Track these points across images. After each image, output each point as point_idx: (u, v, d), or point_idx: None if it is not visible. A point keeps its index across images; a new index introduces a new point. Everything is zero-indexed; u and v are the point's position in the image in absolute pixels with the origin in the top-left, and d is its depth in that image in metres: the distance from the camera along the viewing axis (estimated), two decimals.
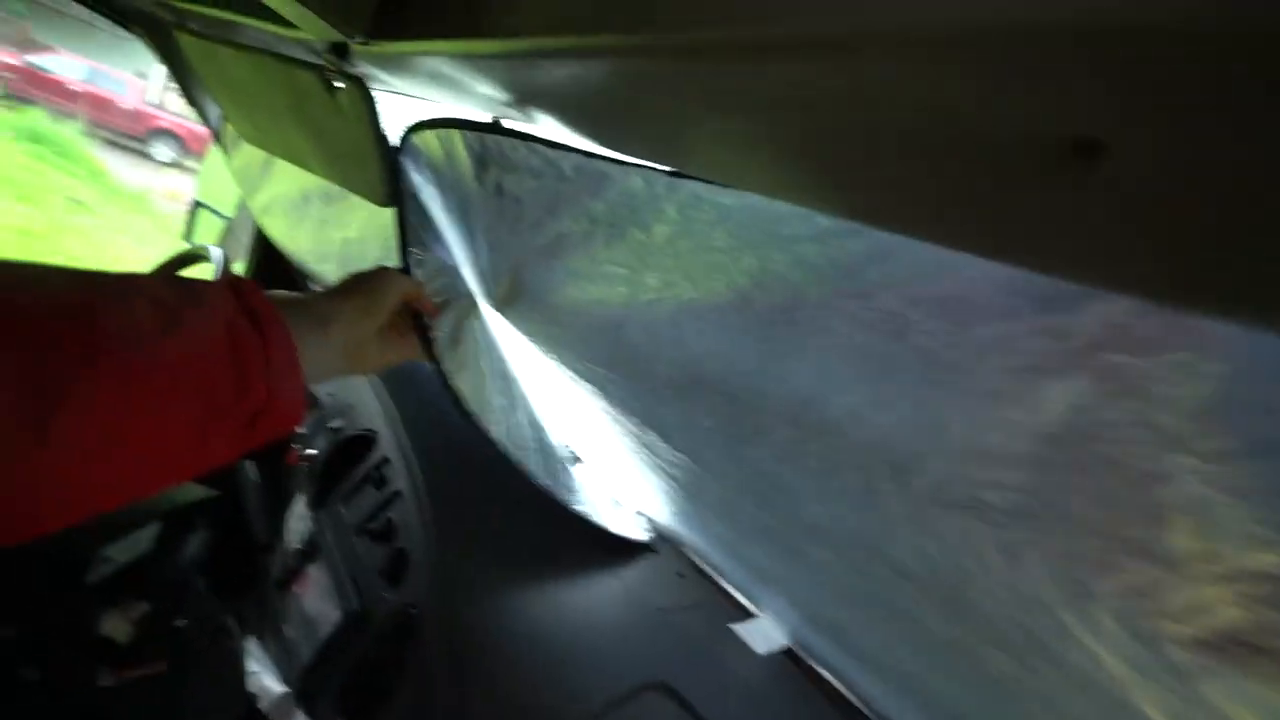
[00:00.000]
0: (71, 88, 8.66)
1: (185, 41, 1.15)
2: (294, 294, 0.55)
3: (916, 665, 0.56)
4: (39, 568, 0.60)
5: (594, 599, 0.82)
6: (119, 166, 7.42)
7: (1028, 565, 0.36)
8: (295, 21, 0.65)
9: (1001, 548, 0.37)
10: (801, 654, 0.84)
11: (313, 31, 0.66)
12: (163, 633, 0.67)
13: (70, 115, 7.97)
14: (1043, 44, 0.18)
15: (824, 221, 0.36)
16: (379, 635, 0.71)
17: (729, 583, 0.92)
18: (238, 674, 0.75)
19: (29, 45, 9.07)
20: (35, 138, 6.70)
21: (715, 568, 0.92)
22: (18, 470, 0.33)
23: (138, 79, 9.68)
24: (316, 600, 0.81)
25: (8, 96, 7.88)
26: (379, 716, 0.67)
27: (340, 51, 0.69)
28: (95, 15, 1.31)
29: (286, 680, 0.76)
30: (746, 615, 0.88)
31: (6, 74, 8.21)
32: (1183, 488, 0.28)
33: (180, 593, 0.69)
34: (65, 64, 8.88)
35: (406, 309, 0.62)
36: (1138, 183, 0.19)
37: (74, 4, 1.21)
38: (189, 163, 9.25)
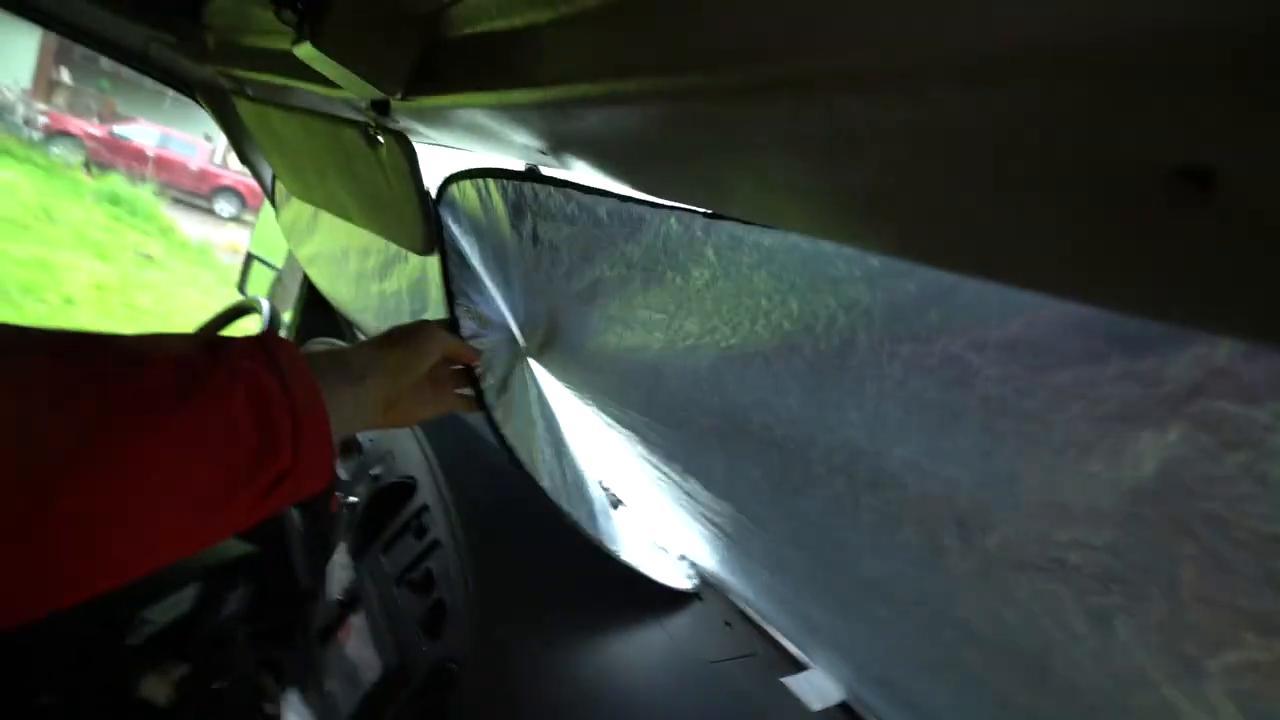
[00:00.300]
0: (146, 152, 9.34)
1: (242, 106, 1.22)
2: (332, 346, 0.53)
3: (953, 708, 0.51)
4: (78, 632, 0.60)
5: (639, 652, 0.78)
6: (185, 223, 7.90)
7: (1122, 635, 0.32)
8: (338, 82, 0.67)
9: (1090, 615, 0.33)
10: (859, 709, 0.78)
11: (354, 90, 0.68)
12: (201, 694, 0.66)
13: (144, 178, 8.59)
14: (1127, 66, 0.16)
15: (875, 262, 0.34)
16: (418, 690, 0.69)
17: (779, 632, 0.87)
18: None
19: (113, 118, 9.85)
20: (114, 200, 7.22)
21: (764, 616, 0.88)
22: (17, 548, 0.31)
23: (205, 141, 10.39)
24: (358, 651, 0.79)
25: (90, 164, 8.54)
26: None
27: (382, 108, 0.71)
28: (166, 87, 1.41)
29: None
30: (798, 667, 0.84)
31: (90, 143, 8.91)
32: None
33: (220, 653, 0.68)
34: (141, 131, 9.60)
35: (447, 362, 0.60)
36: (1253, 213, 0.16)
37: (150, 77, 1.29)
38: (248, 217, 9.81)
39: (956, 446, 0.35)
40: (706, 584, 0.93)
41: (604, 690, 0.72)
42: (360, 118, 0.77)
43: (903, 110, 0.21)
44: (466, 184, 0.66)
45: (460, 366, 0.63)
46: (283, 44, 0.83)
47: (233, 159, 10.58)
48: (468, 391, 0.64)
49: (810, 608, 0.67)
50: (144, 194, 7.75)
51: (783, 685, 0.79)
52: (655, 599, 0.86)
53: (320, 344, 1.28)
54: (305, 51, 0.62)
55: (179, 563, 0.65)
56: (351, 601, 0.81)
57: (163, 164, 9.35)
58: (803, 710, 0.77)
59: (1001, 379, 0.31)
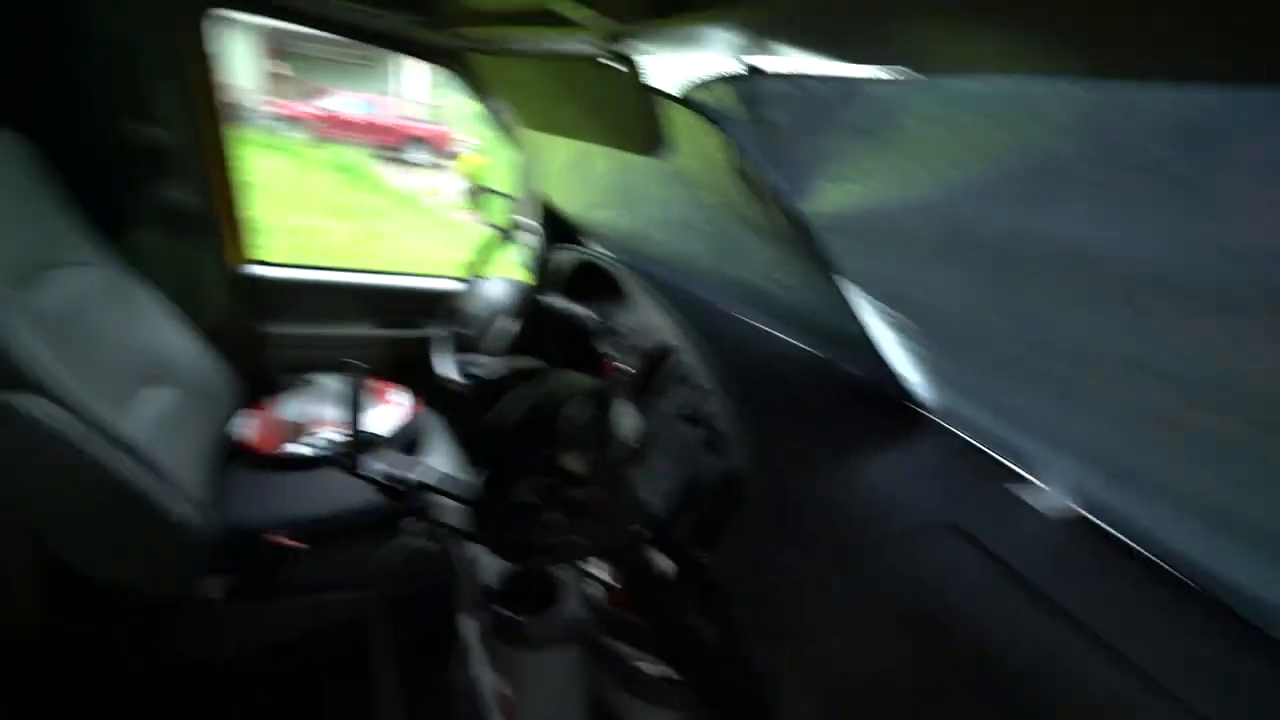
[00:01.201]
0: (351, 120, 10.65)
1: (475, 60, 1.45)
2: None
3: (1193, 477, 0.59)
4: (533, 422, 0.94)
5: (881, 465, 0.94)
6: (390, 176, 9.03)
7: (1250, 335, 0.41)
8: (582, 22, 0.83)
9: (1268, 335, 0.42)
10: (1090, 516, 0.85)
11: (594, 27, 0.83)
12: (597, 466, 0.99)
13: (355, 143, 9.87)
14: None
15: (1068, 86, 0.43)
16: (713, 490, 0.93)
17: (1010, 453, 0.95)
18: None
19: (313, 93, 11.24)
20: (341, 168, 8.48)
21: (994, 439, 0.96)
22: None
23: (387, 99, 11.49)
24: (659, 470, 1.06)
25: (318, 140, 10.01)
26: (716, 543, 0.90)
27: (613, 37, 0.86)
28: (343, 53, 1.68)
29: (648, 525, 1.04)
30: (1028, 483, 0.91)
31: (312, 122, 10.36)
32: None
33: (602, 440, 1.00)
34: (343, 102, 10.89)
35: None
36: None
37: (327, 47, 1.58)
38: (440, 161, 10.87)
39: (1150, 221, 0.44)
40: (936, 410, 1.04)
41: (855, 490, 0.89)
42: (591, 50, 0.93)
43: None
44: (702, 90, 0.80)
45: None
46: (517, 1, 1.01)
47: (409, 109, 11.61)
48: None
49: (1037, 406, 0.76)
50: (358, 157, 8.96)
51: (1015, 494, 0.88)
52: (892, 423, 1.00)
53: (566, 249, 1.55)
54: (560, 3, 0.79)
55: (575, 383, 0.93)
56: (647, 438, 1.08)
57: (365, 127, 10.61)
58: (1035, 512, 0.85)
59: (1176, 160, 0.40)
